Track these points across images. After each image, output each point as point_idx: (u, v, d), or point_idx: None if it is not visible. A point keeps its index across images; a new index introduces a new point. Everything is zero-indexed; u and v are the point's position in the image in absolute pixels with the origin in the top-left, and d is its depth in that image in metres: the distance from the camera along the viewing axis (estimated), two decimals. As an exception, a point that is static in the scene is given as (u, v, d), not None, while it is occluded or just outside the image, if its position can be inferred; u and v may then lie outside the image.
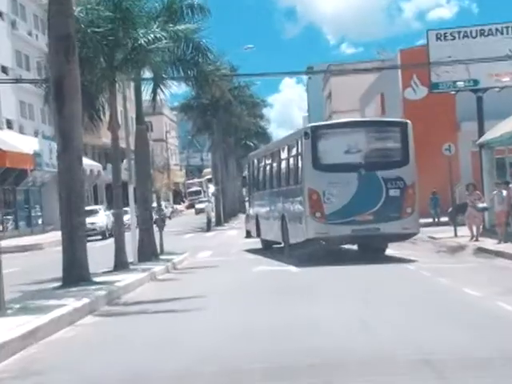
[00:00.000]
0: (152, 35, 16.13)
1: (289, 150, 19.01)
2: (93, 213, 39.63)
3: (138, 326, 9.29)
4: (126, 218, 20.73)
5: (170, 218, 66.28)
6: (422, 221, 31.18)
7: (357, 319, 8.65)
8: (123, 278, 13.81)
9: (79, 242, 12.74)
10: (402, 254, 18.76)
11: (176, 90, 23.99)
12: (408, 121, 18.22)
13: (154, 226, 21.19)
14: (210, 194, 62.71)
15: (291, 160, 18.65)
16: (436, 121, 35.69)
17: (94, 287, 11.95)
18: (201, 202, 68.84)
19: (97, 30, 15.62)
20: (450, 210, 30.89)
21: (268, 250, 21.79)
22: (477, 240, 20.93)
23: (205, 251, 24.51)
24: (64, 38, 12.20)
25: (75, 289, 11.75)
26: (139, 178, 19.94)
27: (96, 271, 15.45)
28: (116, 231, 17.62)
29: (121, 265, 16.33)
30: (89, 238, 40.00)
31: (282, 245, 19.65)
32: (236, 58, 54.62)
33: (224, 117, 42.79)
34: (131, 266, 16.85)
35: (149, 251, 19.01)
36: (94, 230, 39.40)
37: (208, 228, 39.03)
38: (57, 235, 19.31)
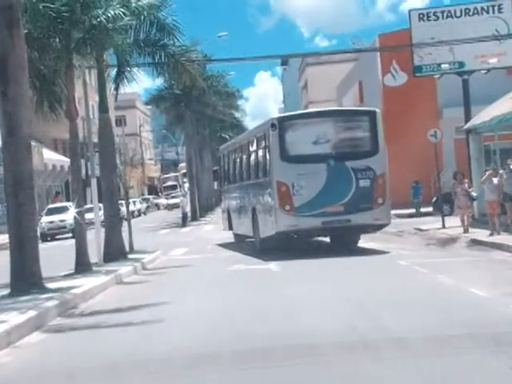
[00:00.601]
0: (112, 12, 14.54)
1: (257, 142, 18.68)
2: (63, 210, 38.00)
3: (84, 347, 7.68)
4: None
5: (144, 213, 64.60)
6: (405, 211, 30.53)
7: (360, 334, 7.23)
8: (83, 283, 12.25)
9: (29, 243, 11.15)
10: (388, 248, 17.46)
11: (145, 79, 22.29)
12: (377, 109, 17.87)
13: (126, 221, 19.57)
14: (185, 189, 61.15)
15: (259, 152, 18.32)
16: (417, 108, 34.41)
17: (46, 296, 10.39)
18: (173, 197, 67.45)
19: (50, 5, 13.99)
20: (435, 199, 29.67)
21: (241, 243, 21.33)
22: (467, 231, 19.61)
23: (180, 248, 23.06)
24: (5, 8, 10.61)
25: (24, 298, 10.20)
26: (104, 170, 18.34)
27: (55, 274, 13.97)
28: (77, 230, 16.00)
29: (83, 267, 14.79)
30: (59, 237, 39.72)
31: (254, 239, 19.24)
32: (209, 48, 52.76)
33: (197, 108, 41.15)
34: (95, 268, 15.30)
35: (116, 250, 17.47)
36: (63, 227, 37.95)
37: (183, 223, 37.53)
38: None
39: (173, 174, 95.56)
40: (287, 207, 16.24)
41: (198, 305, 10.05)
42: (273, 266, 15.13)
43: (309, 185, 16.25)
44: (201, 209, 43.42)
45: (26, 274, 10.97)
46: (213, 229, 33.00)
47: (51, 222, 37.50)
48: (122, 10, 14.75)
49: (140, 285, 13.60)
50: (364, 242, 18.67)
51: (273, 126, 16.76)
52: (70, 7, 14.42)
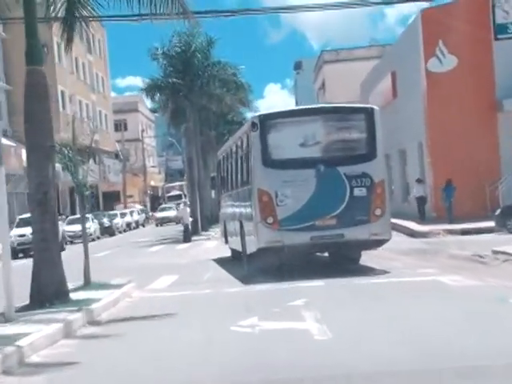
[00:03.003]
0: None
1: (240, 145, 16.87)
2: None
3: None
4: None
5: (143, 225, 58.41)
6: (473, 225, 24.07)
7: None
8: None
9: None
10: (487, 284, 11.12)
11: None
12: (375, 106, 15.76)
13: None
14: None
15: (242, 156, 16.59)
16: (469, 98, 28.06)
17: None
18: (163, 209, 60.51)
19: None
20: (498, 212, 23.69)
21: (237, 259, 18.43)
22: None
23: (167, 275, 16.99)
24: None
25: None
26: (32, 156, 11.72)
27: None
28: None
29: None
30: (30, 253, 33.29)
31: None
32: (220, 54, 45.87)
33: (200, 100, 34.84)
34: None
35: (48, 289, 10.97)
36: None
37: (186, 238, 30.90)
38: None
39: (178, 183, 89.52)
40: (270, 220, 14.42)
41: None
42: (312, 321, 8.74)
43: (295, 194, 14.50)
44: (203, 221, 36.96)
45: None
46: (215, 246, 26.89)
47: (22, 236, 31.16)
48: None
49: (58, 371, 7.00)
50: (449, 271, 13.33)
51: (253, 125, 14.91)
52: None
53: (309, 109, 17.15)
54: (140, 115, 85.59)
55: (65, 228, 40.91)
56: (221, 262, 20.34)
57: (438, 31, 28.28)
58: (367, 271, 14.79)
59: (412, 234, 25.43)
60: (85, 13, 13.64)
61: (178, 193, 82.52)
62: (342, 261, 16.12)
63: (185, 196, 74.55)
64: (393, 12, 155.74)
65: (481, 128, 27.90)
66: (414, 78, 30.72)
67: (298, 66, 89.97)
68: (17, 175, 40.33)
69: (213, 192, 25.12)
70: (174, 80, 33.76)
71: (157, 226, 56.30)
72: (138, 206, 67.50)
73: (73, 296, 11.56)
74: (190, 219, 33.25)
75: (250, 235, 15.58)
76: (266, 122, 15.03)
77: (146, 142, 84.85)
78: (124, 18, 16.49)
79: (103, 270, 20.09)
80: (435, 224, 26.28)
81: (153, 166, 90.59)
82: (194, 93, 34.20)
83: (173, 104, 36.42)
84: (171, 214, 56.64)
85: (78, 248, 36.15)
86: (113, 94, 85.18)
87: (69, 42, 13.64)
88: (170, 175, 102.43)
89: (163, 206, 64.50)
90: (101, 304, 10.86)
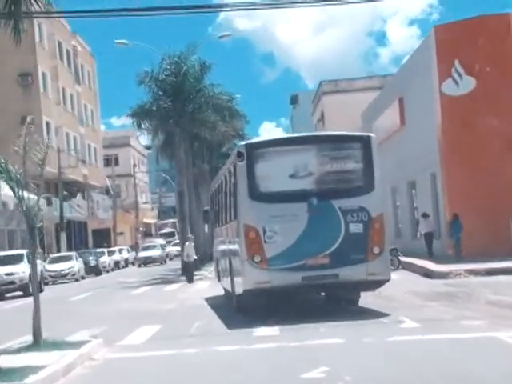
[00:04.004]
0: None
1: (229, 177, 15.72)
2: (14, 260, 28.84)
3: None
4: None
5: (133, 264, 55.22)
6: (497, 265, 21.31)
7: None
8: None
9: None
10: None
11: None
12: (371, 134, 14.94)
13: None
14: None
15: (230, 189, 15.43)
16: (488, 125, 25.29)
17: None
18: (146, 248, 54.51)
19: None
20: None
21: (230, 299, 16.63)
22: None
23: (148, 325, 14.16)
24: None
25: None
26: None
27: None
28: None
29: None
30: (8, 295, 30.33)
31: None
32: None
33: (192, 126, 31.99)
34: None
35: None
36: (11, 283, 28.71)
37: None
38: None
39: (171, 220, 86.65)
40: (257, 258, 13.37)
41: None
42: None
43: (285, 230, 13.45)
44: (195, 259, 33.91)
45: None
46: (209, 287, 24.06)
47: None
48: None
49: None
50: (500, 324, 10.55)
51: (239, 155, 13.94)
52: None
53: (300, 137, 15.99)
54: (132, 150, 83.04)
55: (46, 267, 37.94)
56: (214, 303, 17.94)
57: (453, 50, 25.70)
58: (394, 322, 11.90)
59: (428, 274, 22.61)
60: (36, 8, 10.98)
61: (171, 230, 79.81)
62: (341, 303, 15.03)
63: (178, 233, 71.64)
64: (387, 52, 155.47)
65: (501, 157, 25.17)
66: (426, 102, 28.04)
67: (294, 100, 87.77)
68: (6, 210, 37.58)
69: (206, 226, 24.18)
70: (163, 104, 30.93)
71: (139, 266, 51.25)
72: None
73: (9, 360, 8.55)
74: (195, 257, 29.80)
75: (237, 275, 14.46)
76: (253, 152, 13.96)
77: (138, 177, 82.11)
78: (85, 14, 13.78)
79: (73, 318, 17.29)
80: (451, 263, 23.51)
81: (145, 203, 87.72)
82: (185, 119, 31.34)
83: (163, 132, 33.58)
84: (155, 253, 52.67)
85: (59, 290, 33.52)
86: (104, 129, 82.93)
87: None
88: (164, 212, 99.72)
89: (147, 244, 58.95)
90: (40, 376, 7.80)
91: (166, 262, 53.50)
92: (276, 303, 14.81)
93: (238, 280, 14.47)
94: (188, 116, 31.35)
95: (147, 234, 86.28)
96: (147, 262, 51.30)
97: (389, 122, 35.08)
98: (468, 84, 25.79)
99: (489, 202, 24.89)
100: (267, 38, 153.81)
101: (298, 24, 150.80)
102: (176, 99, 31.09)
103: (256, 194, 13.73)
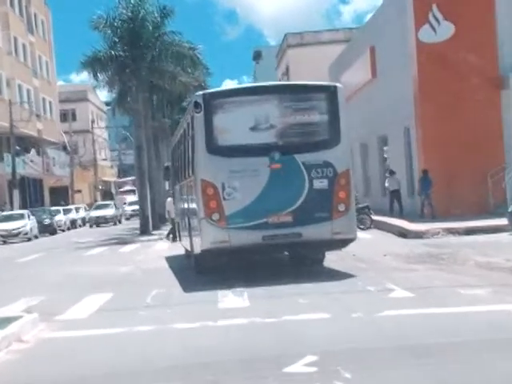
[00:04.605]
0: None
1: (187, 129, 14.68)
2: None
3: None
4: None
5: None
6: (476, 223, 20.14)
7: None
8: None
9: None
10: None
11: None
12: (338, 84, 14.08)
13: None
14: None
15: (188, 142, 14.42)
16: (469, 73, 23.76)
17: None
18: (99, 207, 50.62)
19: None
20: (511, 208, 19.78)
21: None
22: None
23: (97, 293, 12.43)
24: None
25: None
26: None
27: None
28: None
29: None
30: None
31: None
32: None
33: (150, 77, 29.84)
34: None
35: None
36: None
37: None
38: None
39: (131, 178, 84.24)
40: (215, 216, 12.64)
41: None
42: None
43: (245, 186, 12.72)
44: (154, 218, 32.12)
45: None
46: (168, 247, 22.33)
47: None
48: None
49: None
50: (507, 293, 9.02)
51: (196, 105, 13.07)
52: None
53: (261, 86, 15.01)
54: (90, 105, 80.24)
55: (-6, 226, 35.87)
56: (174, 264, 16.60)
57: (431, -7, 23.99)
58: (382, 291, 10.32)
59: (403, 233, 21.28)
60: None
61: (131, 188, 77.47)
62: (306, 261, 14.32)
63: (138, 191, 69.53)
64: (349, 9, 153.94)
65: (481, 109, 23.66)
66: (401, 51, 26.31)
67: (257, 56, 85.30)
68: None
69: (166, 184, 23.09)
70: (119, 52, 28.72)
71: (91, 227, 47.54)
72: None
73: None
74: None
75: (195, 234, 13.79)
76: (212, 102, 13.14)
77: (97, 133, 79.52)
78: None
79: (13, 283, 15.53)
80: (425, 222, 22.25)
81: (104, 159, 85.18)
82: (143, 68, 29.16)
83: (120, 83, 31.36)
84: (109, 212, 48.85)
85: (7, 250, 31.52)
86: (61, 83, 79.96)
87: None
88: (124, 170, 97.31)
89: (99, 202, 55.48)
90: None
91: (120, 221, 50.64)
92: (238, 263, 14.08)
93: (196, 240, 13.78)
94: (146, 65, 29.20)
95: (107, 192, 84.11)
96: (99, 222, 47.92)
97: (358, 74, 33.35)
98: (446, 30, 24.11)
99: (466, 157, 23.50)
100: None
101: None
102: (133, 47, 28.92)
103: (214, 148, 12.95)
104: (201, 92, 14.14)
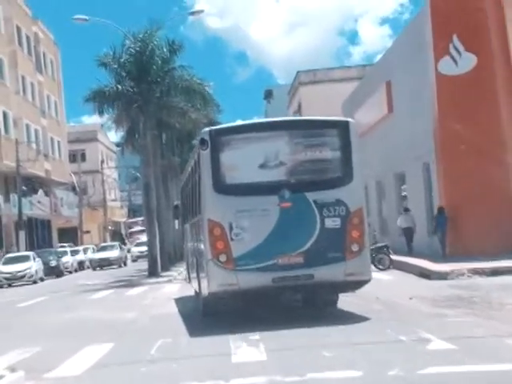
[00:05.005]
0: None
1: (194, 167, 14.27)
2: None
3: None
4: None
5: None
6: (502, 264, 18.91)
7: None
8: None
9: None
10: None
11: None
12: (350, 119, 13.32)
13: None
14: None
15: (195, 180, 13.95)
16: (490, 107, 22.70)
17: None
18: (103, 249, 47.93)
19: None
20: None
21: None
22: None
23: (96, 344, 11.17)
24: None
25: None
26: None
27: None
28: None
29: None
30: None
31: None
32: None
33: (159, 112, 28.87)
34: None
35: None
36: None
37: None
38: None
39: (141, 219, 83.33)
40: (222, 258, 11.97)
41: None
42: None
43: (254, 226, 12.08)
44: (163, 259, 30.91)
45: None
46: (178, 290, 21.23)
47: None
48: None
49: None
50: None
51: (203, 142, 12.49)
52: None
53: (270, 122, 14.46)
54: (100, 145, 79.71)
55: (0, 268, 34.75)
56: (183, 308, 15.68)
57: (452, 23, 23.01)
58: (417, 341, 9.09)
59: (426, 274, 20.09)
60: None
61: (141, 228, 76.55)
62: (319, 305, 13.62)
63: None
64: (359, 51, 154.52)
65: (505, 145, 22.62)
66: (419, 84, 25.34)
67: (268, 95, 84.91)
68: None
69: (176, 222, 21.79)
70: (127, 88, 27.76)
71: (94, 269, 45.07)
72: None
73: None
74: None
75: (203, 276, 13.12)
76: (218, 138, 12.60)
77: (107, 173, 78.82)
78: None
79: (8, 331, 14.35)
80: (448, 262, 21.09)
81: (114, 200, 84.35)
82: (152, 104, 28.21)
83: (127, 119, 30.40)
84: (113, 254, 46.25)
85: (10, 293, 30.34)
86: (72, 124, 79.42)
87: None
88: (134, 211, 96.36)
89: (104, 244, 52.71)
90: None
91: (126, 264, 47.99)
92: (248, 306, 13.29)
93: (203, 282, 13.16)
94: (155, 101, 28.25)
95: (117, 233, 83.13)
96: (103, 264, 45.33)
97: (373, 110, 32.42)
98: (468, 62, 23.11)
99: (490, 193, 22.39)
100: (240, 37, 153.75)
101: (270, 23, 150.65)
102: (141, 82, 27.96)
103: (221, 186, 12.41)
104: (207, 128, 13.54)
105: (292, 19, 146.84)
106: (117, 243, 51.22)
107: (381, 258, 22.98)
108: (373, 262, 22.72)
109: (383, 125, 31.17)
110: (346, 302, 13.42)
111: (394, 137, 29.69)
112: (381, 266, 22.69)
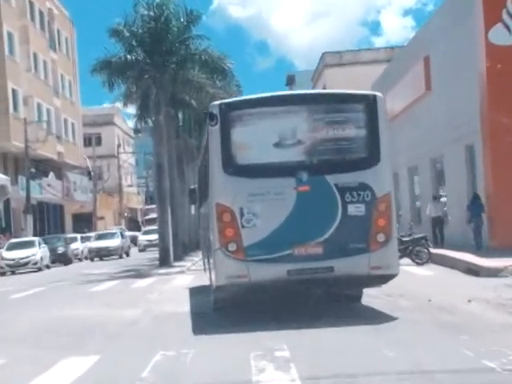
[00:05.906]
0: None
1: (205, 146, 13.22)
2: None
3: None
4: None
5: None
6: None
7: None
8: None
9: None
10: None
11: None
12: (377, 93, 11.89)
13: None
14: None
15: (205, 161, 13.03)
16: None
17: None
18: (101, 237, 43.23)
19: None
20: None
21: None
22: None
23: (78, 356, 8.85)
24: None
25: None
26: None
27: None
28: None
29: None
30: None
31: None
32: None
33: (172, 86, 26.20)
34: None
35: None
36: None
37: None
38: None
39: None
40: (232, 247, 10.98)
41: None
42: None
43: (267, 212, 11.09)
44: (176, 248, 28.41)
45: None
46: (191, 282, 19.17)
47: None
48: None
49: None
50: None
51: (212, 117, 11.30)
52: None
53: (287, 95, 13.87)
54: (116, 129, 77.46)
55: (3, 255, 32.51)
56: (194, 302, 14.05)
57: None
58: (504, 368, 6.51)
59: (474, 270, 17.51)
60: None
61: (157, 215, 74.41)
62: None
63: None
64: (381, 42, 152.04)
65: None
66: (463, 58, 22.64)
67: (290, 81, 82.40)
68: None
69: (193, 208, 21.64)
70: (138, 57, 25.14)
71: (92, 260, 41.17)
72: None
73: None
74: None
75: (211, 266, 12.41)
76: (229, 113, 11.60)
77: (123, 158, 76.54)
78: None
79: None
80: (494, 256, 18.57)
81: (130, 186, 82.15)
82: (166, 75, 25.66)
83: (139, 92, 27.76)
84: (112, 243, 41.66)
85: (10, 282, 28.09)
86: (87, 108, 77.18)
87: None
88: (151, 198, 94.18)
89: (103, 232, 48.27)
90: None
91: (128, 254, 43.56)
92: (261, 300, 12.37)
93: (212, 273, 12.27)
94: (170, 72, 25.66)
95: (133, 220, 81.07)
96: (101, 254, 41.31)
97: (408, 90, 29.84)
98: (523, 30, 20.46)
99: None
100: (261, 26, 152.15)
101: (293, 12, 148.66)
102: (154, 52, 25.42)
103: (232, 167, 11.43)
104: (217, 102, 12.24)
105: (314, 9, 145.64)
106: (118, 231, 46.65)
107: (418, 251, 20.76)
108: (409, 256, 20.50)
109: (418, 106, 28.66)
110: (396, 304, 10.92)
111: (430, 117, 27.16)
112: (418, 260, 20.53)
